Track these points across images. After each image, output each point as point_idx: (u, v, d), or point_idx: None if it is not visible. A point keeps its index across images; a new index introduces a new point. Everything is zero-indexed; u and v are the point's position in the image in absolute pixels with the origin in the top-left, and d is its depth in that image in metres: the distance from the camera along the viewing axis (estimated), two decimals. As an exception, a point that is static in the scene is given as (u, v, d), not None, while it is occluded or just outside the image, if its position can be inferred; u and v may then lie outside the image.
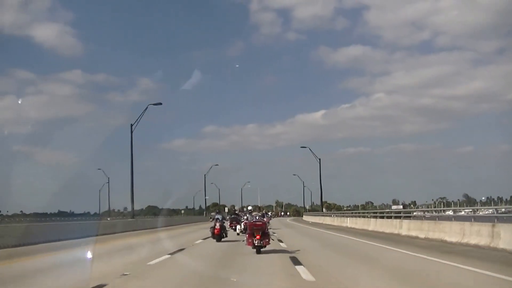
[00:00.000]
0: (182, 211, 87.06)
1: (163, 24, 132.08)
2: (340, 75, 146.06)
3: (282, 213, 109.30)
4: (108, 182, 76.55)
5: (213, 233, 19.45)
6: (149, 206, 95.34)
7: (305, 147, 62.46)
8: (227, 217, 23.64)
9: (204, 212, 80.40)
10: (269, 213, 36.12)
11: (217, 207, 73.80)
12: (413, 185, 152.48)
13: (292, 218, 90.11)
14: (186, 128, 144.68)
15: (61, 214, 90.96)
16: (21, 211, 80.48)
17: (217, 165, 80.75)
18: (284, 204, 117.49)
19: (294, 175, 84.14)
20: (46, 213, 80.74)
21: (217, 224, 19.42)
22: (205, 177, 76.86)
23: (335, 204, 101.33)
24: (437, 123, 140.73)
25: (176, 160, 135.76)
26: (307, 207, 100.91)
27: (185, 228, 38.82)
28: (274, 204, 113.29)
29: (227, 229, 20.52)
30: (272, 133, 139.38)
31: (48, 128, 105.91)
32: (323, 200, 64.84)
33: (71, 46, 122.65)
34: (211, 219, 20.34)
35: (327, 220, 47.27)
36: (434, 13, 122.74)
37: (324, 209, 72.72)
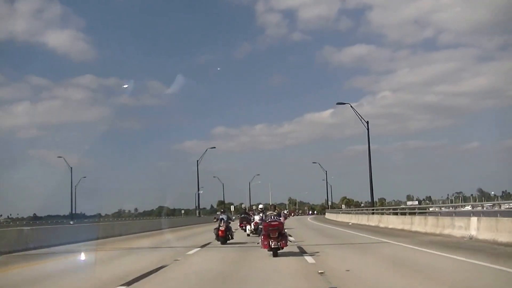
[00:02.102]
0: (183, 211, 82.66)
1: (172, 27, 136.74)
2: (346, 74, 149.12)
3: (301, 211, 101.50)
4: (72, 183, 67.55)
5: (217, 235, 17.45)
6: (159, 206, 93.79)
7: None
8: (233, 217, 21.31)
9: (197, 212, 64.39)
10: (285, 211, 33.65)
11: (222, 206, 65.83)
12: (423, 181, 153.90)
13: (312, 216, 77.13)
14: (197, 129, 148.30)
15: (75, 216, 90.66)
16: (34, 214, 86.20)
17: (214, 147, 67.65)
18: (297, 201, 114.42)
19: (314, 163, 74.95)
20: (59, 215, 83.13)
21: (222, 225, 17.22)
22: (197, 165, 60.46)
23: (352, 200, 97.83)
24: (442, 120, 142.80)
25: (186, 161, 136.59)
26: (322, 203, 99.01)
27: (182, 231, 32.02)
28: (287, 202, 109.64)
29: (233, 230, 18.21)
30: (281, 133, 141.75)
31: (62, 132, 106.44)
32: (337, 196, 64.21)
33: (84, 51, 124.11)
34: (215, 220, 18.06)
35: (360, 219, 36.83)
36: (437, 10, 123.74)
37: (343, 206, 71.73)
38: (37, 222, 61.50)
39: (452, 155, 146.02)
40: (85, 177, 73.24)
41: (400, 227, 24.99)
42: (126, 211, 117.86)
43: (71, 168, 66.67)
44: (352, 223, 36.72)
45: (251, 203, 75.13)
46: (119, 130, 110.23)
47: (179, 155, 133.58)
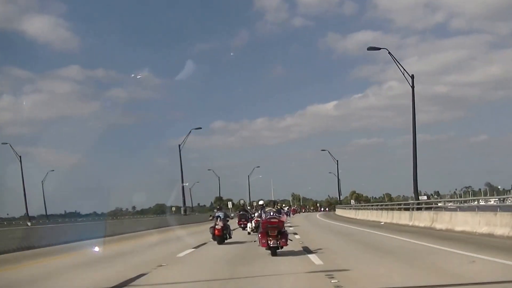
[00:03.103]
0: (173, 208, 79.60)
1: (163, 14, 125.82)
2: (351, 63, 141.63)
3: (313, 208, 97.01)
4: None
5: (213, 234, 16.08)
6: (157, 204, 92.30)
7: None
8: (232, 215, 19.93)
9: (182, 209, 54.36)
10: (285, 208, 31.86)
11: (219, 203, 58.36)
12: (430, 176, 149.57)
13: (322, 213, 69.19)
14: (194, 124, 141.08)
15: (68, 215, 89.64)
16: (25, 213, 78.98)
17: (199, 128, 55.93)
18: (301, 197, 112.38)
19: (323, 150, 67.50)
20: (52, 214, 79.67)
21: (218, 223, 15.80)
22: (179, 150, 51.28)
23: (362, 195, 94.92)
24: (451, 112, 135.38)
25: (184, 157, 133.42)
26: (326, 199, 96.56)
27: (176, 230, 28.06)
28: (290, 198, 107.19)
29: (231, 228, 16.76)
30: (283, 126, 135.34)
31: (48, 128, 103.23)
32: (343, 191, 61.42)
33: (66, 40, 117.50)
34: (211, 218, 16.59)
35: (381, 216, 31.73)
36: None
37: (352, 201, 68.57)
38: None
39: (460, 148, 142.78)
40: (53, 170, 69.84)
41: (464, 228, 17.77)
42: (123, 209, 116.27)
43: (20, 157, 60.55)
44: (384, 223, 28.47)
45: (251, 200, 72.39)
46: (112, 125, 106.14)
47: (177, 151, 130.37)
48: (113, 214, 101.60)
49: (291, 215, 56.01)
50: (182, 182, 51.50)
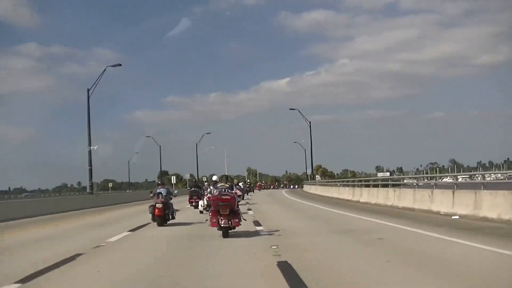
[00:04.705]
0: (110, 185, 75.37)
1: None
2: (303, 41, 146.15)
3: (282, 185, 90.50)
4: None
5: (153, 214, 13.83)
6: (105, 179, 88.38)
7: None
8: (176, 191, 17.65)
9: (89, 186, 35.91)
10: (240, 184, 29.37)
11: (163, 177, 53.67)
12: (391, 152, 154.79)
13: (288, 190, 62.76)
14: (147, 99, 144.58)
15: (14, 192, 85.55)
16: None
17: (119, 65, 37.34)
18: (257, 173, 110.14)
19: (292, 109, 57.58)
20: None
21: (159, 202, 13.60)
22: (88, 94, 34.25)
23: (327, 170, 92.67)
24: (404, 88, 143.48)
25: (137, 132, 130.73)
26: (285, 175, 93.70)
27: (116, 210, 25.34)
28: (245, 173, 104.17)
29: (174, 208, 14.52)
30: (236, 101, 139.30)
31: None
32: (302, 167, 58.63)
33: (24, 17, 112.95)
34: (151, 195, 14.28)
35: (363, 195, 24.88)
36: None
37: (318, 176, 64.29)
38: None
39: (418, 125, 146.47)
40: None
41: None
42: (68, 185, 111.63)
43: None
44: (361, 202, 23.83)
45: (200, 173, 68.80)
46: (65, 101, 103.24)
47: (129, 126, 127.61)
48: (58, 190, 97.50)
49: (255, 191, 53.65)
50: (90, 144, 34.51)
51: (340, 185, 34.90)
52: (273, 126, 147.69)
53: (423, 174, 77.63)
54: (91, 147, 34.66)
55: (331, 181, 46.83)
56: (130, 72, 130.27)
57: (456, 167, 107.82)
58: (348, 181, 36.03)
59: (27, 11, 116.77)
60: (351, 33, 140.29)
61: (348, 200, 26.52)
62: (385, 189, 22.99)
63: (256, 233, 11.28)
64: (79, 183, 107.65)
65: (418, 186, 21.85)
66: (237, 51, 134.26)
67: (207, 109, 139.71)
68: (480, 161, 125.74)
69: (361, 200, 24.53)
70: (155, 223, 13.71)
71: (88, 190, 36.62)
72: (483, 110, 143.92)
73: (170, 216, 14.10)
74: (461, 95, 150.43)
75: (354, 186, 29.61)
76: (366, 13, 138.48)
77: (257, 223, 13.49)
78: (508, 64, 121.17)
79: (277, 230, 11.53)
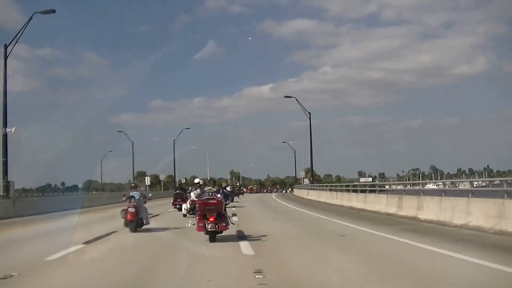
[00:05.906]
0: (80, 185, 73.40)
1: None
2: (287, 48, 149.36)
3: (278, 187, 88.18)
4: None
5: (125, 219, 12.98)
6: (88, 180, 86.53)
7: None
8: (150, 194, 16.95)
9: (3, 187, 23.81)
10: (228, 188, 28.37)
11: (141, 179, 50.97)
12: (372, 158, 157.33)
13: (277, 194, 61.25)
14: (133, 102, 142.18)
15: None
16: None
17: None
18: (240, 176, 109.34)
19: (289, 97, 49.99)
20: None
21: (131, 206, 12.91)
22: (5, 59, 24.39)
23: (315, 174, 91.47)
24: (385, 96, 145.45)
25: (121, 135, 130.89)
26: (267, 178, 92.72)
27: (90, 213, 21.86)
28: (228, 176, 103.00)
29: (148, 213, 13.82)
30: (220, 106, 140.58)
31: None
32: (287, 171, 56.63)
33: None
34: (124, 198, 13.55)
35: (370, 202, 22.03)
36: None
37: (306, 180, 62.39)
38: None
39: (399, 132, 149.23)
40: None
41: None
42: (52, 186, 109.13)
43: None
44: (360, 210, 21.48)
45: (178, 174, 66.34)
46: (51, 102, 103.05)
47: (115, 128, 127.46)
48: (42, 190, 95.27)
49: (245, 194, 52.91)
50: (5, 126, 24.11)
51: (345, 190, 29.30)
52: (256, 131, 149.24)
53: (406, 180, 78.06)
54: (8, 130, 24.08)
55: (333, 185, 40.41)
56: (118, 76, 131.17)
57: (437, 174, 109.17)
58: (349, 186, 31.13)
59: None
60: (334, 42, 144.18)
61: (375, 212, 19.81)
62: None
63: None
64: (62, 183, 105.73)
65: (406, 193, 20.20)
66: (222, 57, 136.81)
67: (191, 113, 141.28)
68: (460, 168, 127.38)
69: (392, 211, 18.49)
70: (128, 228, 12.91)
71: (0, 193, 23.67)
72: (463, 118, 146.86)
73: (144, 221, 13.36)
74: (440, 103, 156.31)
75: (366, 192, 25.01)
76: (349, 23, 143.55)
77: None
78: (486, 74, 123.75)
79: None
